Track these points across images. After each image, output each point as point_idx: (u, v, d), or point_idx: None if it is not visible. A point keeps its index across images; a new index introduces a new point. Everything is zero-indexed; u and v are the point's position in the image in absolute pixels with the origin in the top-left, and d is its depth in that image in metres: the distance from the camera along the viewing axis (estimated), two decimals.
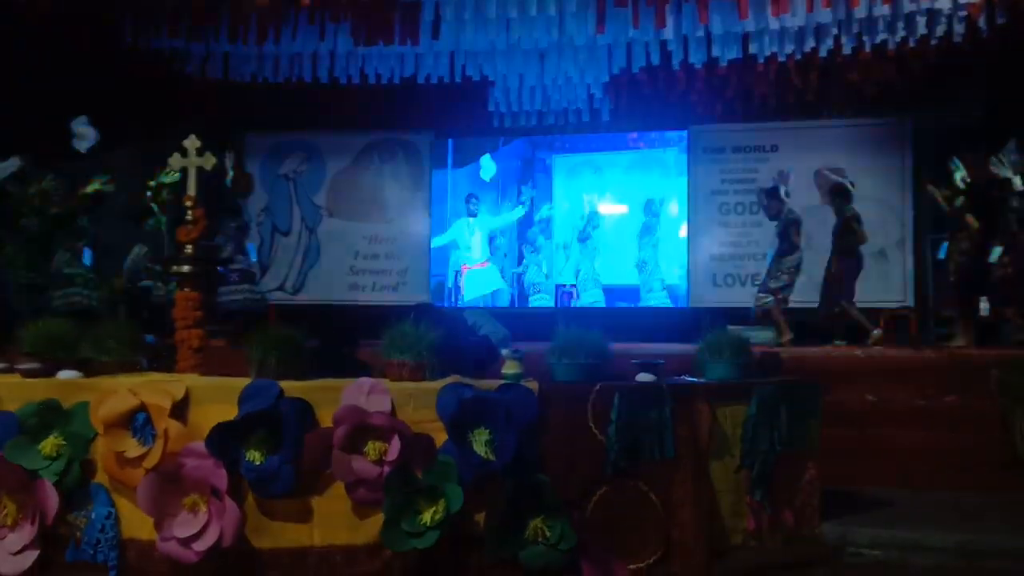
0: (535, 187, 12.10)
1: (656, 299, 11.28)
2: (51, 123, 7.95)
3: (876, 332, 8.14)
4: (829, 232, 8.44)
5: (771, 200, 8.48)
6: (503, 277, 11.88)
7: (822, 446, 4.45)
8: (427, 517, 3.65)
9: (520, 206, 11.92)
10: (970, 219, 8.09)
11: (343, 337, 4.83)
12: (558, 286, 11.99)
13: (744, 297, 9.57)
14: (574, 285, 11.85)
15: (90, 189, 7.76)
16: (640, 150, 11.79)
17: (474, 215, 11.79)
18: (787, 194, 8.59)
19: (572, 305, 11.47)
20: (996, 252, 8.02)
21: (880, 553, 4.24)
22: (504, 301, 11.77)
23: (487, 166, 11.91)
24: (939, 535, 4.29)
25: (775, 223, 8.40)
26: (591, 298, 11.47)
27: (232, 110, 10.73)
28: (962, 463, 5.58)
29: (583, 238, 11.71)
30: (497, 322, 4.90)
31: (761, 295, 8.32)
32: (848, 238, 8.22)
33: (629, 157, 11.81)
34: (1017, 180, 7.80)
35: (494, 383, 3.96)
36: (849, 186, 8.39)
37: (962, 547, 4.20)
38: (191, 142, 4.83)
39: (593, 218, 11.68)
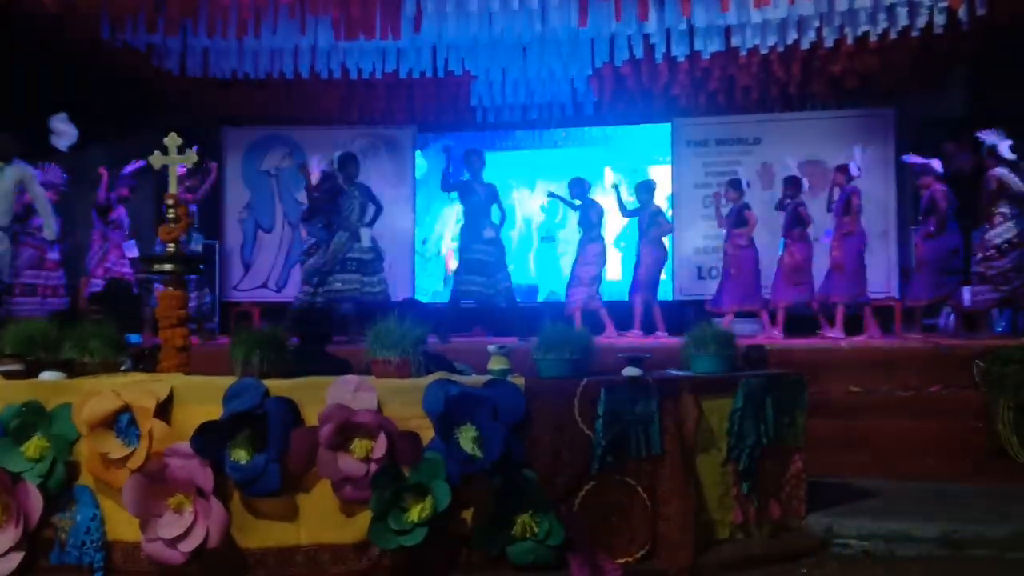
0: None
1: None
2: (29, 120, 7.88)
3: None
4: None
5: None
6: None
7: (808, 438, 4.47)
8: (415, 514, 3.64)
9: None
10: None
11: (323, 334, 4.82)
12: None
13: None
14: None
15: None
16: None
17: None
18: (748, 185, 9.09)
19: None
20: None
21: (866, 544, 4.26)
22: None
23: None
24: (924, 525, 4.30)
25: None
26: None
27: (212, 106, 10.67)
28: (947, 453, 5.61)
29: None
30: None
31: None
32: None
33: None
34: (1004, 147, 7.86)
35: (480, 379, 3.96)
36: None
37: (947, 537, 4.22)
38: (171, 139, 4.79)
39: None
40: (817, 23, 8.32)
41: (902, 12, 7.97)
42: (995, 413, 5.64)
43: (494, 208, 8.76)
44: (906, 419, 5.94)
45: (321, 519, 3.77)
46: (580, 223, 9.19)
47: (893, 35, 8.28)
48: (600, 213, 9.15)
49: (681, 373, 4.36)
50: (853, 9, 8.01)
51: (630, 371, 4.12)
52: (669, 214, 11.09)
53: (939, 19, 7.91)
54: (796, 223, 8.59)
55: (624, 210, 9.52)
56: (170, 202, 4.74)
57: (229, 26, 8.28)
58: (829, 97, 10.44)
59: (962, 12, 7.65)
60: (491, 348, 4.13)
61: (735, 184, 8.95)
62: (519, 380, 3.95)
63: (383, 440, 3.69)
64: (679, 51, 8.83)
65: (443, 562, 3.76)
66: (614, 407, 3.92)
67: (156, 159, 4.80)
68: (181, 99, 10.26)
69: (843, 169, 8.59)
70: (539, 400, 3.91)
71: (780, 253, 8.78)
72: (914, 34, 8.22)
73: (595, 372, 4.09)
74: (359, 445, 3.69)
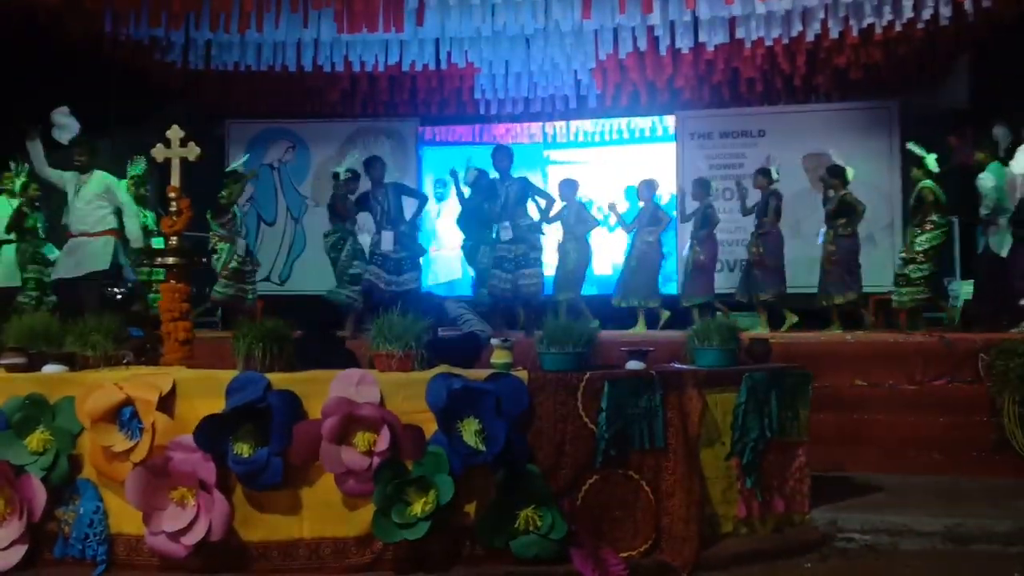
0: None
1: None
2: (32, 113, 7.86)
3: None
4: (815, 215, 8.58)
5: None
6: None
7: (811, 432, 4.46)
8: (417, 508, 3.64)
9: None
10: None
11: (329, 328, 4.81)
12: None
13: (733, 283, 9.56)
14: None
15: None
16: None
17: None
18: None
19: None
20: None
21: (870, 538, 4.25)
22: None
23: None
24: (928, 519, 4.29)
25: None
26: None
27: (215, 99, 10.66)
28: (951, 447, 5.60)
29: None
30: (481, 318, 4.86)
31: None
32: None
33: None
34: (931, 159, 8.04)
35: (483, 373, 3.95)
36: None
37: (951, 531, 4.21)
38: (174, 132, 4.78)
39: None
40: (822, 15, 8.29)
41: (907, 4, 7.93)
42: (1000, 407, 5.62)
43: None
44: (910, 413, 5.92)
45: (324, 512, 3.77)
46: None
47: (898, 27, 8.26)
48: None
49: (685, 367, 4.35)
50: (858, 1, 7.99)
51: (634, 364, 4.11)
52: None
53: (944, 11, 7.88)
54: (705, 224, 8.89)
55: (625, 224, 9.45)
56: (172, 195, 4.73)
57: (232, 19, 8.27)
58: (833, 89, 10.41)
59: (967, 4, 7.62)
60: (494, 342, 4.12)
61: (650, 184, 9.21)
62: (522, 374, 3.94)
63: (386, 433, 3.69)
64: (683, 43, 8.81)
65: (446, 556, 3.75)
66: (618, 401, 3.91)
67: (158, 152, 4.78)
68: (183, 92, 10.24)
69: (765, 173, 8.80)
70: (542, 393, 3.90)
71: (687, 252, 9.08)
72: (919, 26, 8.19)
73: (598, 366, 4.08)
74: (362, 438, 3.69)
